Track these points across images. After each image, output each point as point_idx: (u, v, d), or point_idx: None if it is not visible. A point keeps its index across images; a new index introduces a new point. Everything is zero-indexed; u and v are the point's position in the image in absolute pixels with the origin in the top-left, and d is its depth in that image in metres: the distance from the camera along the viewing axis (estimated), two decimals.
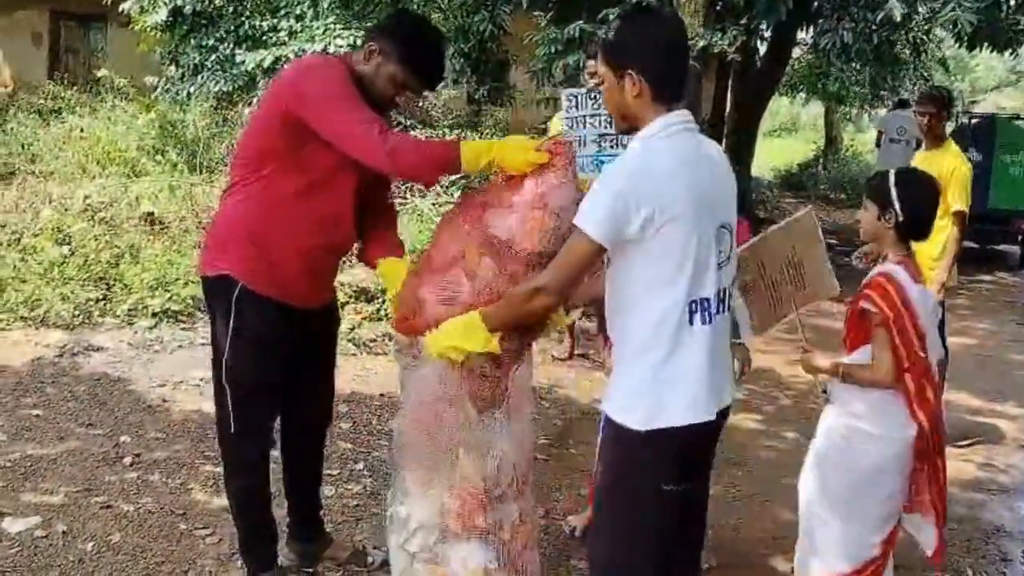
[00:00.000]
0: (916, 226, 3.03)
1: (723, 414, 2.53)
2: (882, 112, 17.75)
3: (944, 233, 5.24)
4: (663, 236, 2.31)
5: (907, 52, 14.07)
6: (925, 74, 16.77)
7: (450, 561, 2.81)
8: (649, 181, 2.30)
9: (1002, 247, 12.50)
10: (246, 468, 3.22)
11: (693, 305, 2.37)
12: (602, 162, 3.66)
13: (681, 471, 2.42)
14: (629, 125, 2.46)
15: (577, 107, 3.78)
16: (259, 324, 3.05)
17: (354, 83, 2.93)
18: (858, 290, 3.02)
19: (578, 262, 2.38)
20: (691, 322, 2.37)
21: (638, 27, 2.45)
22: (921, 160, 5.49)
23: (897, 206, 2.96)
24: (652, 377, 2.39)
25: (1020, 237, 12.21)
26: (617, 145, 3.69)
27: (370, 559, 3.56)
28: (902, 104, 14.43)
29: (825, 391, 3.14)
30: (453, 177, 7.80)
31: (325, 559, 3.56)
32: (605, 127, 3.73)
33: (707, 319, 2.39)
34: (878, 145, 14.39)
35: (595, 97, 3.73)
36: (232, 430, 3.13)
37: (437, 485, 2.79)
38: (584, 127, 3.76)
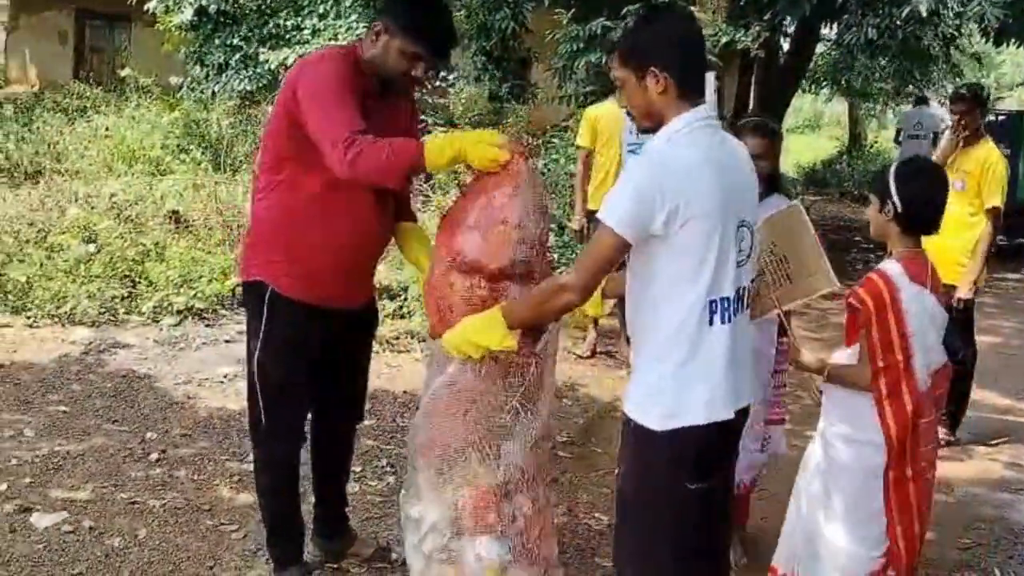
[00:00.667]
0: (917, 218, 2.90)
1: (743, 412, 2.52)
2: (905, 108, 17.62)
3: (976, 229, 5.13)
4: (685, 232, 2.30)
5: (936, 47, 13.92)
6: (956, 69, 16.59)
7: (465, 558, 2.80)
8: (673, 176, 2.30)
9: None
10: (276, 465, 3.23)
11: (713, 304, 2.36)
12: None
13: (701, 469, 2.41)
14: (654, 124, 2.45)
15: None
16: (289, 327, 3.06)
17: (361, 72, 2.93)
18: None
19: (603, 258, 2.36)
20: (711, 321, 2.36)
21: (656, 25, 2.46)
22: (959, 157, 5.40)
23: (895, 198, 2.85)
24: (671, 376, 2.38)
25: None
26: None
27: (394, 555, 3.56)
28: (921, 101, 14.42)
29: (820, 391, 3.07)
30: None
31: (349, 555, 3.57)
32: None
33: (727, 318, 2.38)
34: (897, 141, 14.41)
35: None
36: (263, 428, 3.15)
37: (449, 485, 2.79)
38: None
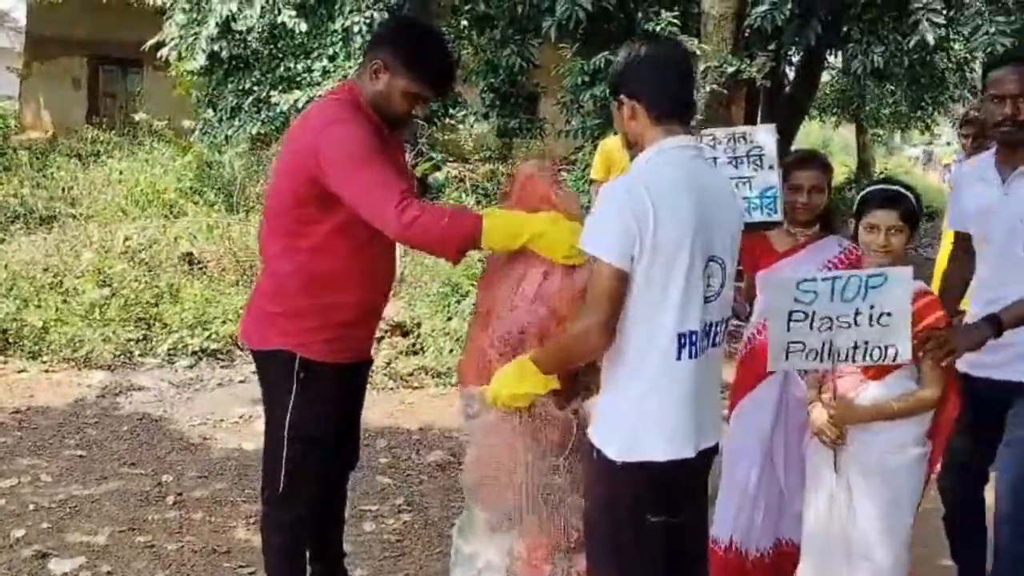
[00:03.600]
0: None
1: (709, 452, 2.47)
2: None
3: None
4: (650, 261, 2.27)
5: (948, 72, 14.01)
6: (969, 93, 16.64)
7: None
8: (646, 201, 2.25)
9: None
10: (291, 527, 3.11)
11: (682, 338, 2.31)
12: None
13: (663, 503, 2.36)
14: (637, 151, 2.44)
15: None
16: (324, 390, 2.94)
17: (367, 115, 2.83)
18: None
19: (607, 292, 2.29)
20: (679, 356, 2.32)
21: (633, 54, 2.45)
22: None
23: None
24: (633, 408, 2.35)
25: None
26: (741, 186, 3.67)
27: None
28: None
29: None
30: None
31: None
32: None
33: (693, 353, 2.33)
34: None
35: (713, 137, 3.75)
36: (282, 493, 3.01)
37: (507, 529, 2.75)
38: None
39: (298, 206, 2.84)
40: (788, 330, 2.97)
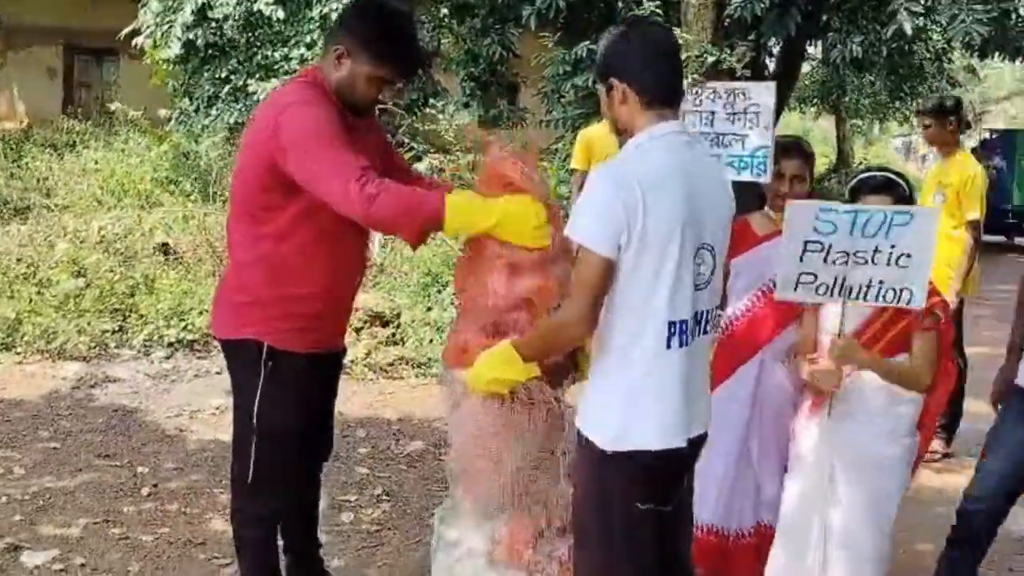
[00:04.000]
0: None
1: (698, 441, 2.45)
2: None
3: (959, 242, 5.16)
4: (640, 249, 2.23)
5: (926, 62, 14.11)
6: (947, 83, 16.75)
7: None
8: (629, 191, 2.22)
9: None
10: (263, 520, 3.07)
11: (672, 327, 2.28)
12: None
13: (653, 492, 2.35)
14: (627, 137, 2.40)
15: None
16: (291, 379, 2.91)
17: (332, 102, 2.76)
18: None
19: (592, 283, 2.26)
20: (668, 344, 2.29)
21: (619, 37, 2.41)
22: (934, 172, 5.45)
23: None
24: (623, 397, 2.32)
25: None
26: (718, 145, 3.66)
27: None
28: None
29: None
30: None
31: None
32: (705, 125, 3.71)
33: (684, 342, 2.31)
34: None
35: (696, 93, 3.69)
36: (253, 483, 2.96)
37: (493, 516, 2.73)
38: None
39: (262, 191, 2.79)
40: (801, 260, 2.90)
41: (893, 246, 2.81)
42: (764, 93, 3.68)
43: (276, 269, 2.83)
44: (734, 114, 3.66)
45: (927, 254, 2.80)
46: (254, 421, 2.92)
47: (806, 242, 2.87)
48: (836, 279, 2.89)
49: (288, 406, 2.92)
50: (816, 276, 2.90)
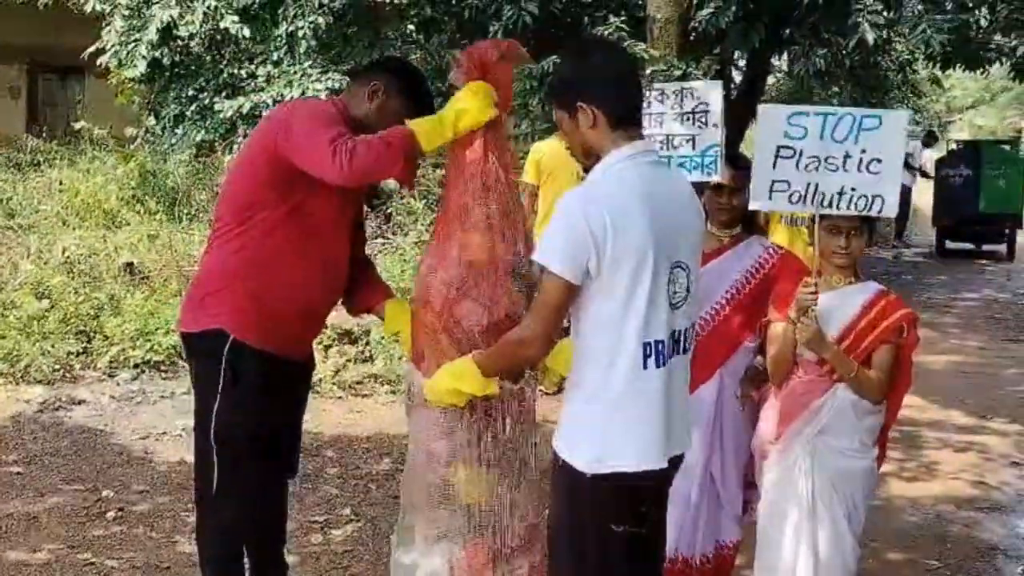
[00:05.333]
0: None
1: (676, 461, 2.45)
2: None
3: None
4: (613, 270, 2.24)
5: (891, 73, 14.26)
6: (912, 93, 16.98)
7: None
8: (601, 213, 2.22)
9: (992, 247, 14.89)
10: (227, 533, 3.03)
11: (647, 347, 2.29)
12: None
13: (630, 514, 2.34)
14: (593, 161, 2.39)
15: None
16: (252, 378, 2.90)
17: (348, 124, 2.84)
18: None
19: (552, 305, 2.28)
20: (645, 365, 2.29)
21: (582, 59, 2.42)
22: None
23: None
24: (601, 419, 2.31)
25: (1006, 235, 14.77)
26: (668, 147, 3.65)
27: None
28: (930, 136, 16.47)
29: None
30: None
31: None
32: (655, 127, 3.69)
33: (661, 362, 2.31)
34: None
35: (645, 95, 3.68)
36: (216, 493, 2.94)
37: (447, 537, 2.71)
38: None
39: (258, 185, 2.89)
40: (774, 167, 2.91)
41: (863, 151, 2.82)
42: (712, 91, 3.66)
43: (255, 263, 2.88)
44: (683, 114, 3.66)
45: (897, 160, 2.82)
46: (212, 426, 2.92)
47: (778, 147, 2.88)
48: (808, 186, 2.90)
49: (247, 409, 2.92)
50: (789, 184, 2.92)
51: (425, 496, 2.72)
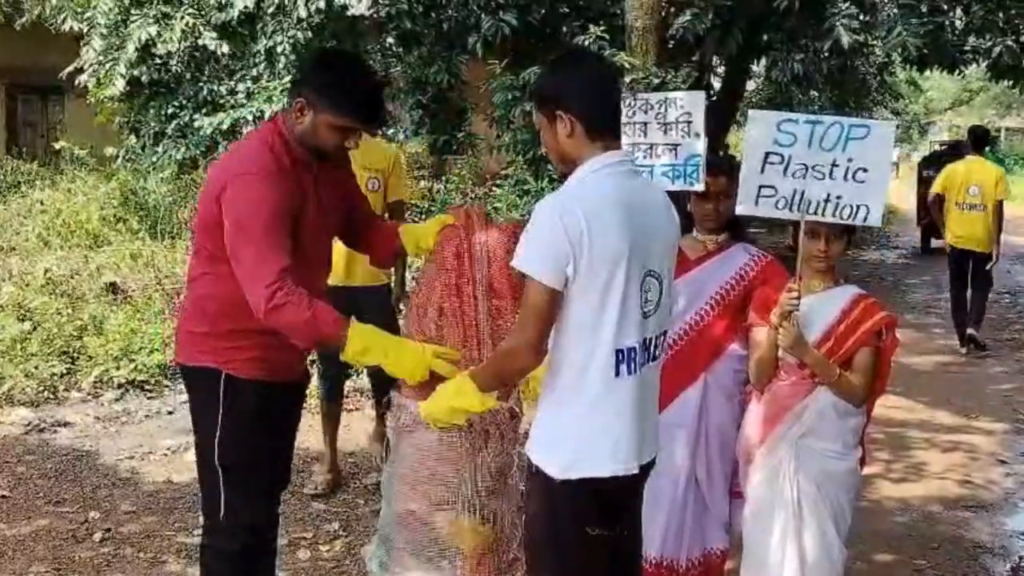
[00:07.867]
0: None
1: (647, 468, 2.47)
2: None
3: None
4: (586, 278, 2.25)
5: (869, 76, 14.39)
6: (890, 96, 17.12)
7: None
8: (575, 220, 2.23)
9: None
10: (233, 557, 2.99)
11: (620, 354, 2.30)
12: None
13: (604, 518, 2.36)
14: (568, 168, 2.41)
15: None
16: (250, 407, 2.89)
17: (290, 149, 2.80)
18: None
19: (538, 312, 2.28)
20: (617, 372, 2.31)
21: (563, 69, 2.46)
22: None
23: None
24: (574, 424, 2.34)
25: None
26: (651, 156, 3.67)
27: None
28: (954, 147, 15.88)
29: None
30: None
31: None
32: (638, 136, 3.72)
33: (633, 369, 2.33)
34: None
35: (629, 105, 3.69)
36: (224, 516, 2.93)
37: (443, 556, 2.69)
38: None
39: (222, 235, 2.78)
40: (762, 172, 2.93)
41: (851, 160, 2.84)
42: (695, 101, 3.69)
43: (232, 304, 2.80)
44: (666, 124, 3.68)
45: (883, 170, 2.83)
46: (216, 455, 2.91)
47: (767, 153, 2.91)
48: (795, 192, 2.92)
49: (249, 436, 2.92)
50: (776, 189, 2.95)
51: (418, 520, 2.69)
